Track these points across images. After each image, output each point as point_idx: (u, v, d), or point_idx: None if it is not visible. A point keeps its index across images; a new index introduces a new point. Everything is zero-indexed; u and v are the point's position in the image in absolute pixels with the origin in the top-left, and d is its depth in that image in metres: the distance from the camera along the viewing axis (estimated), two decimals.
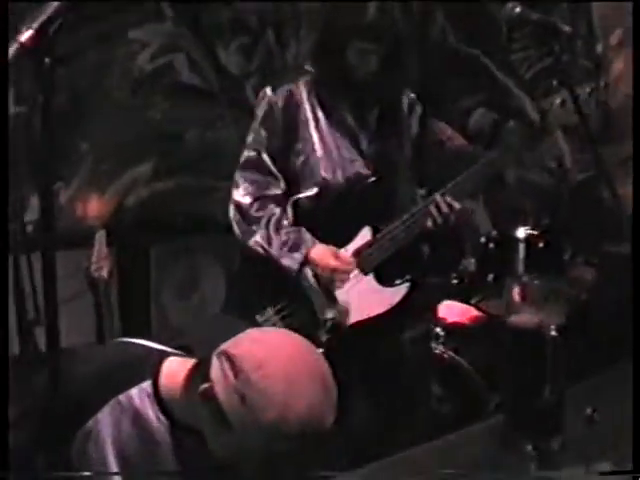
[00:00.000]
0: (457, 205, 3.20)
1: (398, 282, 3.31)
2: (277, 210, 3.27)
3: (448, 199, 3.20)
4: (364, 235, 3.28)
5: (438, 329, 3.75)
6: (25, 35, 1.60)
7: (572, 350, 1.89)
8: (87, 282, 4.35)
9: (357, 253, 3.28)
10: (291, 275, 3.25)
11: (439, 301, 3.74)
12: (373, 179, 3.27)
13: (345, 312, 3.25)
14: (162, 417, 2.00)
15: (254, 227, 3.27)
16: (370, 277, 3.29)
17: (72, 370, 1.85)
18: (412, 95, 3.41)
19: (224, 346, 1.90)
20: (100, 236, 4.34)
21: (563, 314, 1.89)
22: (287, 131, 3.25)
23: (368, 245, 3.27)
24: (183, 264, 4.93)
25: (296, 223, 3.29)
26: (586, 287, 3.90)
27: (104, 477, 1.98)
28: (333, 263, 3.22)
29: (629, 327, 1.90)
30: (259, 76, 5.23)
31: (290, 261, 3.22)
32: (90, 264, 4.28)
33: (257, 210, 3.26)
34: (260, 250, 3.26)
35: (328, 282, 3.25)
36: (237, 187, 3.32)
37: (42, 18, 1.61)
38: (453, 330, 3.80)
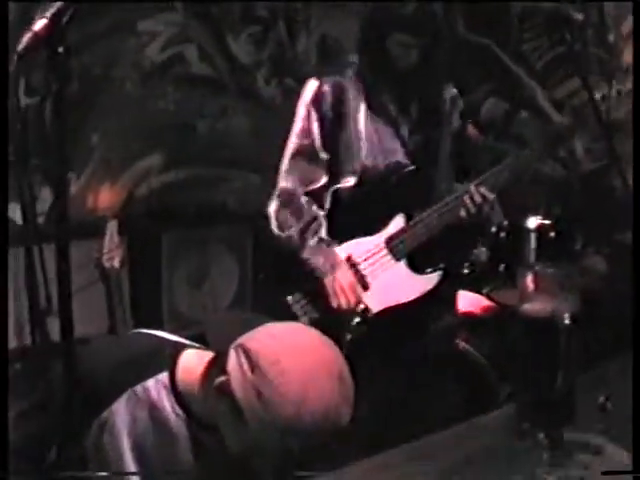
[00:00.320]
0: (491, 196, 3.23)
1: (430, 270, 3.34)
2: (320, 213, 3.34)
3: (482, 190, 3.23)
4: (398, 222, 3.34)
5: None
6: (39, 24, 1.60)
7: (584, 339, 1.89)
8: (98, 272, 4.35)
9: (390, 240, 3.31)
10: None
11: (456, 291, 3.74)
12: (411, 168, 3.31)
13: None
14: (178, 409, 2.00)
15: (292, 222, 3.33)
16: (402, 264, 3.33)
17: (88, 360, 1.85)
18: (454, 90, 3.46)
19: (241, 340, 1.89)
20: (111, 226, 4.35)
21: (576, 302, 1.89)
22: (333, 121, 3.32)
23: (401, 232, 3.31)
24: (194, 254, 4.93)
25: (333, 210, 3.37)
26: (597, 276, 3.90)
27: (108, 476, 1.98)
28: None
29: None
30: (270, 66, 5.23)
31: (319, 269, 3.31)
32: (101, 254, 4.28)
33: (299, 205, 3.34)
34: (291, 245, 3.34)
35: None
36: (287, 175, 3.38)
37: (55, 8, 1.61)
38: (464, 320, 3.80)
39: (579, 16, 2.68)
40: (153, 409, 2.01)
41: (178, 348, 2.06)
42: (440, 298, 3.41)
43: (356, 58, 3.39)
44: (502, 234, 3.80)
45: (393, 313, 3.32)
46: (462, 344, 3.73)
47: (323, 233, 3.33)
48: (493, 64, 5.17)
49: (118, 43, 4.87)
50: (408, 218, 3.34)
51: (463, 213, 3.26)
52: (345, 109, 3.32)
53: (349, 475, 1.61)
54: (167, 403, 2.01)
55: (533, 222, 3.72)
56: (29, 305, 4.02)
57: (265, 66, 5.24)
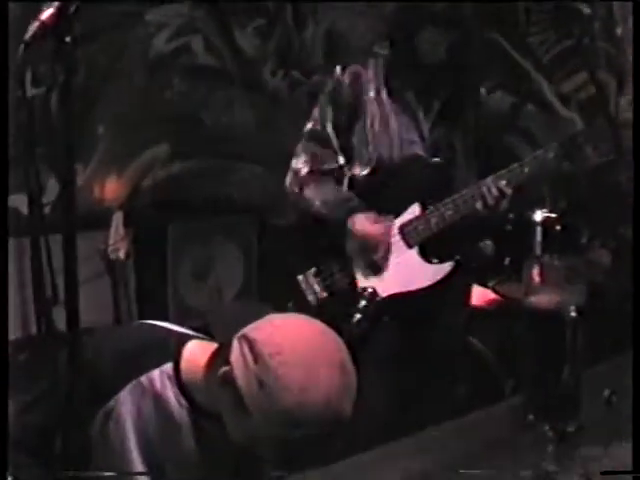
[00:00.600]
0: (508, 191, 3.23)
1: (439, 260, 3.35)
2: (332, 182, 3.42)
3: (501, 183, 3.23)
4: (413, 211, 3.35)
5: None
6: (46, 13, 1.60)
7: (590, 333, 1.88)
8: (104, 263, 4.36)
9: (404, 226, 3.33)
10: (338, 241, 3.37)
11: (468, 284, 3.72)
12: (434, 160, 3.33)
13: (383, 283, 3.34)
14: (183, 400, 2.00)
15: (307, 196, 3.42)
16: (414, 251, 3.34)
17: (94, 351, 1.85)
18: (482, 89, 3.48)
19: (245, 330, 1.89)
20: (117, 217, 4.36)
21: (582, 295, 1.89)
22: (351, 108, 3.38)
23: (415, 220, 3.32)
24: (200, 245, 4.93)
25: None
26: (603, 270, 3.89)
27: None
28: (370, 229, 3.30)
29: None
30: (276, 58, 5.23)
31: (339, 213, 3.35)
32: (107, 245, 4.29)
33: (313, 181, 3.42)
34: (315, 213, 3.42)
35: (367, 249, 3.34)
36: (298, 157, 3.47)
37: None
38: (471, 313, 3.79)
39: (587, 10, 2.67)
40: (157, 399, 2.01)
41: (183, 339, 2.06)
42: (451, 289, 3.40)
43: (381, 49, 3.42)
44: (508, 227, 3.80)
45: (401, 299, 3.33)
46: (468, 337, 3.73)
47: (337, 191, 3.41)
48: (500, 57, 5.16)
49: (125, 34, 4.87)
50: (424, 208, 3.35)
51: (479, 206, 3.26)
52: (362, 98, 3.36)
53: (330, 473, 1.60)
54: (171, 393, 2.01)
55: (539, 215, 3.71)
56: (34, 295, 4.03)
57: (271, 58, 5.25)
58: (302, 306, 3.30)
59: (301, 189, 3.44)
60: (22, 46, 1.64)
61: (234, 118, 5.15)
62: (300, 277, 3.41)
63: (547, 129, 4.98)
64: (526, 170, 3.27)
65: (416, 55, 3.30)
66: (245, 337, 1.87)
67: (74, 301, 1.61)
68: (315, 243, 3.44)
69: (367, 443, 2.06)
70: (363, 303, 3.30)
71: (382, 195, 3.38)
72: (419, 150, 3.37)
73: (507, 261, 3.78)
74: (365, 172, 3.39)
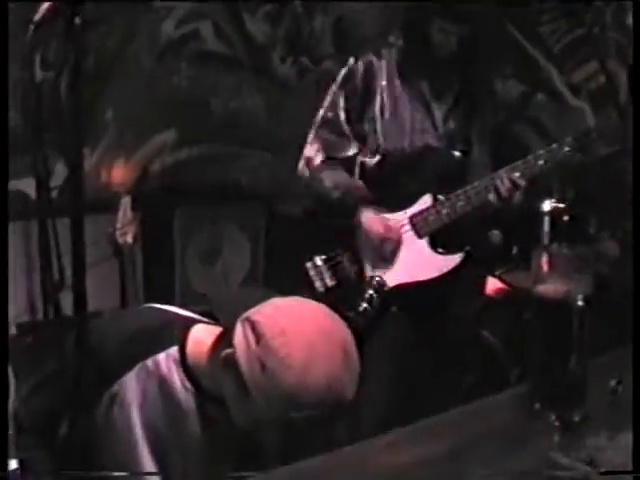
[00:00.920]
0: (522, 183, 3.23)
1: (448, 251, 3.34)
2: (343, 170, 3.43)
3: (514, 176, 3.22)
4: (425, 201, 3.35)
5: None
6: None
7: (596, 322, 1.88)
8: (111, 247, 4.37)
9: (414, 217, 3.33)
10: (347, 229, 3.38)
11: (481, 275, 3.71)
12: (445, 152, 3.33)
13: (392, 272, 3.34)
14: (188, 384, 2.00)
15: (319, 183, 3.43)
16: (423, 241, 3.34)
17: (100, 334, 1.85)
18: (496, 79, 3.48)
19: (248, 313, 1.90)
20: (125, 202, 4.36)
21: (590, 284, 1.88)
22: (363, 97, 3.38)
23: (426, 210, 3.32)
24: (207, 230, 4.93)
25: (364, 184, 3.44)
26: (610, 260, 3.88)
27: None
28: (379, 229, 3.32)
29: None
30: (285, 45, 5.22)
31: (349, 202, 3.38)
32: (115, 230, 4.30)
33: (325, 169, 3.43)
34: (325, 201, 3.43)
35: (376, 247, 3.36)
36: (310, 144, 3.48)
37: None
38: (479, 302, 3.79)
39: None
40: (163, 382, 2.01)
41: (189, 323, 2.07)
42: (460, 280, 3.39)
43: (395, 39, 3.42)
44: (515, 217, 3.79)
45: (410, 290, 3.33)
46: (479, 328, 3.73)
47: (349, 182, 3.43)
48: (510, 46, 5.14)
49: (134, 19, 4.86)
50: (435, 199, 3.35)
51: (492, 198, 3.25)
52: (375, 87, 3.36)
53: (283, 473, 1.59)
54: (177, 377, 2.01)
55: (547, 205, 3.70)
56: (41, 279, 4.04)
57: (280, 44, 5.24)
58: (309, 293, 3.29)
59: (313, 176, 3.45)
60: (31, 27, 1.64)
61: (243, 104, 5.15)
62: (308, 264, 3.41)
63: (557, 119, 4.97)
64: (540, 163, 3.26)
65: (429, 46, 3.30)
66: (248, 319, 1.88)
67: (82, 285, 1.61)
68: (324, 231, 3.44)
69: (371, 431, 2.06)
70: (371, 292, 3.30)
71: (393, 184, 3.38)
72: (431, 140, 3.37)
73: (515, 250, 3.77)
74: (375, 160, 3.38)
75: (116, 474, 1.99)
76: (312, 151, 3.46)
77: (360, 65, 3.38)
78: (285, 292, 1.99)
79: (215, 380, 1.95)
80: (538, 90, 5.07)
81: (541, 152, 3.29)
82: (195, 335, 2.02)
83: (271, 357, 1.81)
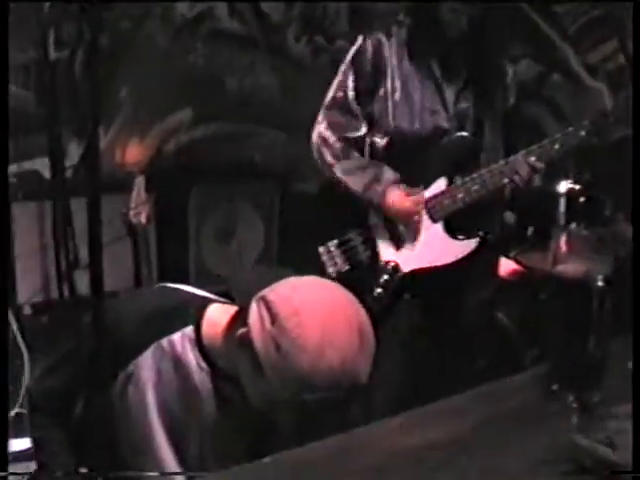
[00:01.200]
0: (540, 166, 3.20)
1: (465, 237, 3.32)
2: (354, 150, 3.38)
3: (531, 160, 3.20)
4: (439, 185, 3.32)
5: None
6: None
7: (614, 304, 1.86)
8: (125, 227, 4.37)
9: (429, 201, 3.31)
10: (362, 211, 3.35)
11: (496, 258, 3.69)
12: (457, 134, 3.30)
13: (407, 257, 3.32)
14: (203, 363, 2.00)
15: (335, 161, 3.37)
16: (438, 226, 3.31)
17: (116, 314, 1.84)
18: (510, 65, 3.44)
19: (263, 292, 1.89)
20: (139, 181, 4.36)
21: (610, 265, 1.87)
22: (373, 76, 3.34)
23: (441, 194, 3.29)
24: (221, 209, 4.92)
25: None
26: (626, 243, 3.86)
27: None
28: (406, 204, 3.28)
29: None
30: (300, 23, 5.20)
31: (372, 194, 3.31)
32: (129, 210, 4.30)
33: (340, 148, 3.38)
34: (340, 183, 3.37)
35: (398, 223, 3.33)
36: (320, 124, 3.43)
37: None
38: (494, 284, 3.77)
39: None
40: (178, 362, 2.01)
41: (204, 302, 2.06)
42: (476, 265, 3.37)
43: (405, 18, 3.38)
44: (531, 198, 3.77)
45: (424, 275, 3.30)
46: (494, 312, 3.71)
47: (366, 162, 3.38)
48: (526, 26, 5.10)
49: None
50: (450, 182, 3.32)
51: (510, 181, 3.23)
52: (384, 66, 3.32)
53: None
54: (192, 356, 2.01)
55: (563, 186, 3.68)
56: (56, 259, 4.06)
57: (295, 23, 5.21)
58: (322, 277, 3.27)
59: (324, 157, 3.40)
60: (47, 5, 1.63)
61: (257, 83, 5.14)
62: (321, 248, 3.39)
63: (573, 100, 4.93)
64: (557, 147, 3.24)
65: (440, 25, 3.26)
66: (263, 299, 1.86)
67: (98, 264, 1.60)
68: (338, 213, 3.42)
69: (384, 413, 2.05)
70: (385, 277, 3.28)
71: (403, 166, 3.35)
72: (442, 121, 3.33)
73: (530, 231, 3.75)
74: (385, 141, 3.35)
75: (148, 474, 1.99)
76: (322, 131, 3.42)
77: (369, 44, 3.33)
78: (299, 272, 1.98)
79: (230, 360, 1.94)
80: (553, 70, 5.04)
81: (558, 136, 3.26)
82: (210, 315, 2.02)
83: (285, 337, 1.80)
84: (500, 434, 1.58)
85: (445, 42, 3.30)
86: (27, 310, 4.16)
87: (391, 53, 3.32)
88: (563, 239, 1.93)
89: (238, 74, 5.11)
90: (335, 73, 3.45)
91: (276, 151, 5.12)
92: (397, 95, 3.31)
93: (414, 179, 3.34)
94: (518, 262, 3.84)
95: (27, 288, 4.16)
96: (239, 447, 2.09)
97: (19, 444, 3.72)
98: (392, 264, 3.29)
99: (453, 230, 3.34)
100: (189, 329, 2.00)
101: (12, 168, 4.45)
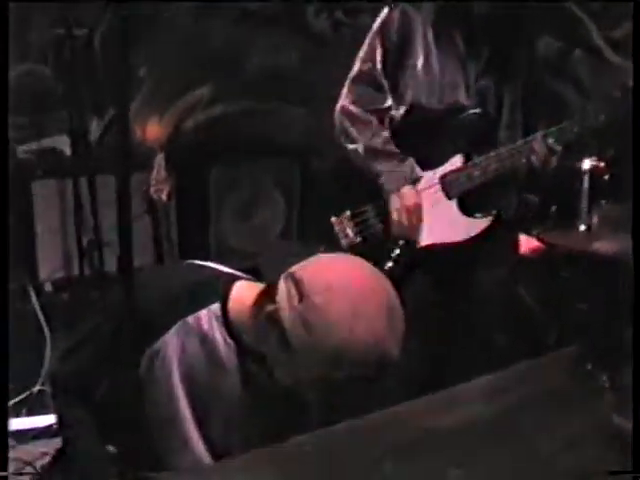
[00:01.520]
0: (558, 148, 3.17)
1: (481, 215, 3.29)
2: (385, 132, 3.33)
3: (550, 141, 3.17)
4: (455, 161, 3.28)
5: None
6: None
7: None
8: (146, 204, 4.36)
9: (444, 177, 3.28)
10: (373, 185, 3.31)
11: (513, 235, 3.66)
12: (475, 111, 3.26)
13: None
14: (229, 340, 1.99)
15: (359, 135, 3.33)
16: (453, 203, 3.28)
17: (141, 290, 1.82)
18: (533, 41, 3.40)
19: (292, 269, 1.87)
20: (159, 159, 4.35)
21: None
22: (399, 48, 3.29)
23: (457, 171, 3.26)
24: (242, 186, 4.90)
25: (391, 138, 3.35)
26: None
27: None
28: (412, 215, 3.27)
29: None
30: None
31: (390, 183, 3.28)
32: (149, 186, 4.29)
33: (364, 121, 3.34)
34: (358, 159, 3.33)
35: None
36: (347, 96, 3.39)
37: None
38: (515, 262, 3.75)
39: None
40: (204, 339, 2.00)
41: (231, 279, 2.05)
42: (489, 243, 3.34)
43: None
44: (555, 175, 3.73)
45: (437, 251, 3.28)
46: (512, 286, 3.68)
47: (393, 145, 3.32)
48: (549, 2, 5.05)
49: None
50: (467, 159, 3.29)
51: (528, 161, 3.20)
52: (410, 38, 3.28)
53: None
54: (218, 333, 2.00)
55: (587, 163, 3.65)
56: (77, 236, 4.06)
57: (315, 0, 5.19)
58: (333, 250, 3.25)
59: (349, 132, 3.37)
60: None
61: (277, 59, 5.11)
62: (333, 219, 3.37)
63: (596, 76, 4.89)
64: (576, 130, 3.20)
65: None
66: (291, 276, 1.85)
67: (127, 240, 1.58)
68: (354, 187, 3.40)
69: (403, 392, 2.03)
70: (397, 252, 3.26)
71: (419, 140, 3.32)
72: (462, 97, 3.30)
73: (553, 209, 3.72)
74: (403, 113, 3.31)
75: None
76: (348, 102, 3.37)
77: (396, 14, 3.28)
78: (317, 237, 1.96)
79: (257, 336, 1.93)
80: (576, 46, 4.99)
81: (577, 117, 3.22)
82: (237, 291, 2.01)
83: (314, 314, 1.79)
84: (533, 414, 1.56)
85: (470, 17, 3.26)
86: (48, 287, 4.16)
87: (417, 25, 3.27)
88: (595, 217, 1.90)
89: (257, 50, 5.08)
90: (356, 48, 3.41)
91: (296, 127, 5.09)
92: (419, 68, 3.27)
93: (430, 153, 3.31)
94: (540, 240, 3.81)
95: (48, 265, 4.16)
96: (265, 424, 2.08)
97: (42, 421, 3.74)
98: (404, 240, 3.27)
99: (468, 208, 3.31)
100: (215, 306, 2.00)
101: (32, 146, 4.44)
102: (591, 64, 4.93)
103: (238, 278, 2.06)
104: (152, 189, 4.29)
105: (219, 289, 2.01)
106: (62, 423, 2.25)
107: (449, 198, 3.28)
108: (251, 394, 2.04)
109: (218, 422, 2.06)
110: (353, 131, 3.35)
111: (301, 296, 1.81)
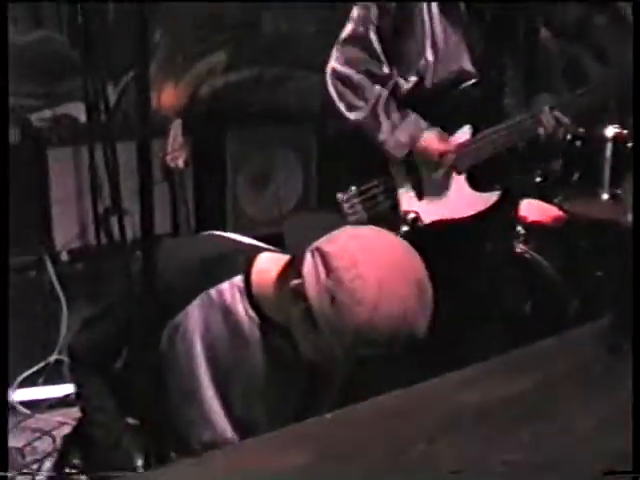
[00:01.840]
0: (566, 120, 3.10)
1: (487, 187, 3.22)
2: (384, 92, 3.19)
3: (557, 113, 3.10)
4: (463, 133, 3.19)
5: (519, 227, 3.66)
6: None
7: None
8: (162, 172, 4.33)
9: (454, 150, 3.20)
10: (384, 160, 3.21)
11: (521, 199, 3.60)
12: (481, 79, 3.18)
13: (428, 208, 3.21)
14: (252, 313, 1.95)
15: (359, 102, 3.20)
16: (462, 177, 3.21)
17: (162, 261, 1.78)
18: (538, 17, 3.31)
19: (318, 242, 1.83)
20: (175, 126, 4.31)
21: None
22: (398, 14, 3.16)
23: (466, 144, 3.18)
24: (258, 154, 4.85)
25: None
26: None
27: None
28: (442, 147, 3.16)
29: None
30: None
31: (397, 149, 3.17)
32: (165, 154, 4.26)
33: (360, 85, 3.19)
34: (363, 127, 3.20)
35: (424, 169, 3.20)
36: (336, 59, 3.24)
37: None
38: (534, 229, 3.71)
39: None
40: (227, 312, 1.97)
41: (254, 251, 2.01)
42: (497, 217, 3.28)
43: None
44: (577, 143, 3.68)
45: (445, 226, 3.21)
46: (530, 253, 3.64)
47: (395, 106, 3.20)
48: None
49: None
50: (474, 132, 3.21)
51: (537, 133, 3.12)
52: (411, 5, 3.16)
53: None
54: (241, 306, 1.96)
55: (610, 131, 3.60)
56: (93, 204, 4.03)
57: None
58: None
59: (345, 97, 3.21)
60: None
61: (292, 25, 5.05)
62: (340, 195, 3.30)
63: (618, 43, 4.82)
64: (586, 100, 3.13)
65: None
66: (318, 249, 1.81)
67: (149, 208, 1.54)
68: (359, 161, 3.31)
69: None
70: (405, 229, 3.19)
71: (425, 110, 3.19)
72: (466, 64, 3.20)
73: (576, 177, 3.67)
74: (408, 84, 3.22)
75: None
76: (338, 65, 3.22)
77: None
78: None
79: (281, 310, 1.89)
80: (598, 12, 4.92)
81: (588, 88, 3.14)
82: (260, 264, 1.97)
83: (341, 289, 1.75)
84: (564, 391, 1.53)
85: None
86: (64, 257, 4.13)
87: None
88: (625, 187, 1.85)
89: (273, 16, 5.03)
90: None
91: (313, 94, 5.03)
92: (422, 33, 3.15)
93: (437, 125, 3.22)
94: (562, 209, 3.77)
95: (64, 234, 4.13)
96: (288, 400, 2.06)
97: (59, 390, 3.73)
98: (412, 215, 3.19)
99: (477, 181, 3.24)
100: (238, 278, 1.96)
101: (46, 113, 4.40)
102: (614, 31, 4.87)
103: (262, 250, 2.02)
104: (168, 156, 4.25)
105: (242, 261, 1.97)
106: (80, 394, 2.23)
107: (458, 173, 3.21)
108: (274, 368, 2.01)
109: (240, 396, 2.04)
110: (349, 94, 3.20)
111: (328, 271, 1.77)
